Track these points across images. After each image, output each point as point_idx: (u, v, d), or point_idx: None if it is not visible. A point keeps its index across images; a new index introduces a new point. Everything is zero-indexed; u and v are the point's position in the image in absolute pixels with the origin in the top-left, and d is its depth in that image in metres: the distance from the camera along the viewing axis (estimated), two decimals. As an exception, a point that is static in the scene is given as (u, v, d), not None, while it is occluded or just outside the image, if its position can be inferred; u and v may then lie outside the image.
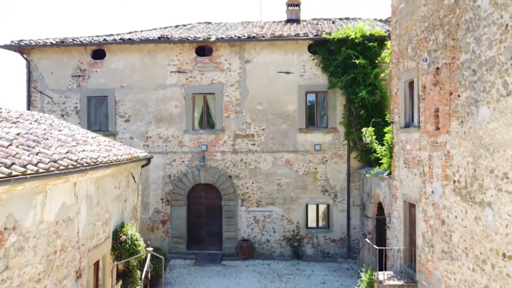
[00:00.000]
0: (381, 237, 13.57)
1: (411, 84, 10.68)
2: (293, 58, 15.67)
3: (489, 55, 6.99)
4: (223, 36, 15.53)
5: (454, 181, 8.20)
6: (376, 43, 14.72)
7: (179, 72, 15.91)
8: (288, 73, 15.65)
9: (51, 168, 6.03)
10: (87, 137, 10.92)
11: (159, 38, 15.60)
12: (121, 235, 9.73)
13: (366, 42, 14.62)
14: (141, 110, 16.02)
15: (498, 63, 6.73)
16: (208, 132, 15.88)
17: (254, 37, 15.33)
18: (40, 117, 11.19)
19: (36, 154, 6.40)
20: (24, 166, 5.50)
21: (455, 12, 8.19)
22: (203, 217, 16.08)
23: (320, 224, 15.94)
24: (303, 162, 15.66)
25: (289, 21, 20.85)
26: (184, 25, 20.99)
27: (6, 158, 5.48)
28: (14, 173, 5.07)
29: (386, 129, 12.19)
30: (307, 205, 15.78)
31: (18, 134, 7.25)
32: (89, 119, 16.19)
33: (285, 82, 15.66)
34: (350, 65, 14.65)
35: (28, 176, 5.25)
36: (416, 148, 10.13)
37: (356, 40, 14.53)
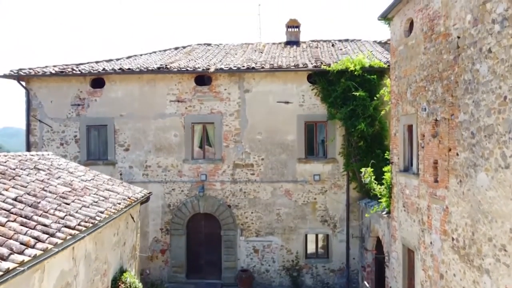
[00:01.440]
0: (380, 271, 13.58)
1: (410, 128, 10.67)
2: (292, 87, 15.66)
3: (487, 122, 6.98)
4: (222, 66, 15.51)
5: (453, 239, 8.19)
6: (375, 75, 14.69)
7: (178, 101, 15.90)
8: (287, 103, 15.64)
9: (49, 247, 6.02)
10: (86, 179, 10.92)
11: (159, 68, 15.58)
12: (119, 283, 9.71)
13: (365, 74, 14.59)
14: (141, 139, 16.02)
15: (497, 133, 6.71)
16: (207, 162, 15.88)
17: (253, 68, 15.32)
18: (39, 158, 11.19)
19: (34, 227, 6.39)
20: (22, 252, 5.50)
21: (454, 69, 8.18)
22: (202, 246, 16.07)
23: (320, 254, 15.93)
24: (302, 192, 15.65)
25: (288, 43, 20.90)
26: (184, 47, 21.04)
27: (3, 244, 5.48)
28: (12, 266, 5.06)
29: (385, 169, 12.17)
30: (306, 235, 15.78)
31: (16, 199, 7.25)
32: (88, 148, 16.19)
33: (284, 112, 15.65)
34: (350, 96, 14.64)
35: (26, 267, 5.24)
36: (415, 194, 10.12)
37: (355, 73, 14.51)
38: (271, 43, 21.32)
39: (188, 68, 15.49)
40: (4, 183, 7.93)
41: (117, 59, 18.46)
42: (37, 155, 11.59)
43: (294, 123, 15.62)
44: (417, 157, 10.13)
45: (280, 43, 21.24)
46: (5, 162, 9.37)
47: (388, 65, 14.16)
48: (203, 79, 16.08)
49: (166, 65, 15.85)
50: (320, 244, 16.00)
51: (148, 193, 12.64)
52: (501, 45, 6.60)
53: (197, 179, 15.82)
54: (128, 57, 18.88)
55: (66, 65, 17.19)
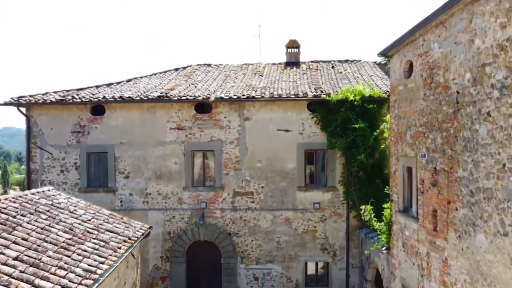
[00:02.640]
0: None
1: (409, 171, 10.70)
2: (292, 116, 15.70)
3: (486, 184, 7.01)
4: (222, 95, 15.55)
5: (452, 292, 8.22)
6: (375, 105, 14.73)
7: (178, 129, 15.94)
8: (287, 131, 15.68)
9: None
10: (86, 219, 10.96)
11: (159, 97, 15.62)
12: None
13: (365, 104, 14.62)
14: (141, 166, 16.06)
15: (496, 198, 6.74)
16: (207, 189, 15.93)
17: (253, 97, 15.36)
18: (39, 197, 11.22)
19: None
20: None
21: (453, 123, 8.21)
22: (202, 274, 16.11)
23: (319, 282, 15.97)
24: (302, 220, 15.69)
25: (288, 63, 20.96)
26: (184, 68, 21.10)
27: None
28: None
29: (385, 205, 12.20)
30: (306, 263, 15.83)
31: (17, 258, 7.29)
32: (88, 175, 16.22)
33: (284, 140, 15.69)
34: (350, 126, 14.67)
35: None
36: (415, 238, 10.16)
37: (355, 103, 14.54)
38: (271, 63, 21.37)
39: (188, 97, 15.52)
40: (6, 238, 7.98)
41: (118, 83, 18.50)
42: (38, 193, 11.62)
43: (294, 151, 15.67)
44: (416, 201, 10.17)
45: (280, 63, 21.30)
46: (5, 208, 9.42)
47: (388, 95, 14.20)
48: (203, 106, 16.11)
49: (166, 93, 15.89)
50: (320, 272, 16.04)
51: (149, 228, 12.66)
52: (500, 111, 6.63)
53: (197, 207, 15.86)
54: (128, 81, 18.90)
55: (67, 90, 17.22)
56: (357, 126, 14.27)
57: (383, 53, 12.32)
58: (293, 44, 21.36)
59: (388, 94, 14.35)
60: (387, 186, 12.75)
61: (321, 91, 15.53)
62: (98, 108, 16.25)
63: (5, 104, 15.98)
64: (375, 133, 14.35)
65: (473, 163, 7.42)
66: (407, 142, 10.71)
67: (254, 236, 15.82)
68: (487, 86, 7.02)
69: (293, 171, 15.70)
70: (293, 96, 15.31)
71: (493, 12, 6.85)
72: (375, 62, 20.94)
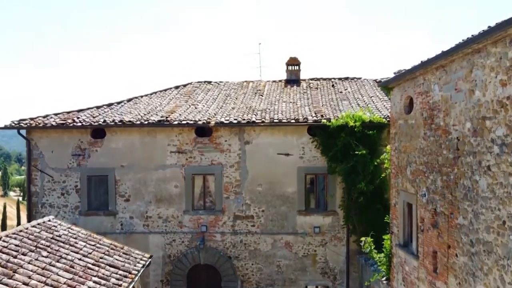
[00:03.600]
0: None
1: (410, 206, 10.72)
2: (292, 140, 15.72)
3: (487, 238, 7.02)
4: (223, 120, 15.56)
5: (453, 337, 8.23)
6: (375, 131, 14.75)
7: (179, 152, 15.96)
8: (287, 155, 15.70)
9: None
10: (87, 252, 10.97)
11: (159, 121, 15.62)
12: None
13: (365, 130, 14.63)
14: (141, 189, 16.07)
15: (496, 253, 6.76)
16: (207, 213, 15.94)
17: (253, 121, 15.38)
18: (40, 230, 11.24)
19: None
20: None
21: (453, 169, 8.22)
22: (203, 297, 16.13)
23: (320, 306, 15.99)
24: (302, 244, 15.71)
25: (288, 81, 21.00)
26: (184, 85, 21.15)
27: None
28: None
29: (385, 237, 12.22)
30: (306, 287, 15.83)
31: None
32: (89, 198, 16.24)
33: (284, 164, 15.71)
34: (350, 151, 14.67)
35: None
36: (415, 275, 10.17)
37: (356, 129, 14.55)
38: (271, 81, 21.40)
39: (189, 121, 15.53)
40: (7, 284, 8.01)
41: (118, 103, 18.51)
42: (39, 225, 11.65)
43: (294, 175, 15.68)
44: (416, 238, 10.17)
45: (280, 81, 21.34)
46: (6, 247, 9.45)
47: (388, 121, 14.22)
48: (203, 129, 16.12)
49: (166, 117, 15.90)
50: (320, 295, 16.06)
51: (149, 257, 12.67)
52: (500, 168, 6.65)
53: (198, 230, 15.88)
54: (129, 100, 18.91)
55: (67, 112, 17.25)
56: (357, 152, 14.27)
57: (383, 85, 12.35)
58: (293, 62, 21.39)
59: (388, 119, 14.37)
60: (387, 215, 12.77)
61: (322, 115, 15.53)
62: (98, 131, 16.26)
63: (6, 127, 16.04)
64: (375, 163, 14.36)
65: (473, 213, 7.44)
66: (407, 177, 10.72)
67: (254, 260, 15.83)
68: (487, 140, 7.04)
69: (293, 195, 15.72)
70: (293, 121, 15.33)
71: (493, 67, 6.87)
72: (375, 80, 20.96)
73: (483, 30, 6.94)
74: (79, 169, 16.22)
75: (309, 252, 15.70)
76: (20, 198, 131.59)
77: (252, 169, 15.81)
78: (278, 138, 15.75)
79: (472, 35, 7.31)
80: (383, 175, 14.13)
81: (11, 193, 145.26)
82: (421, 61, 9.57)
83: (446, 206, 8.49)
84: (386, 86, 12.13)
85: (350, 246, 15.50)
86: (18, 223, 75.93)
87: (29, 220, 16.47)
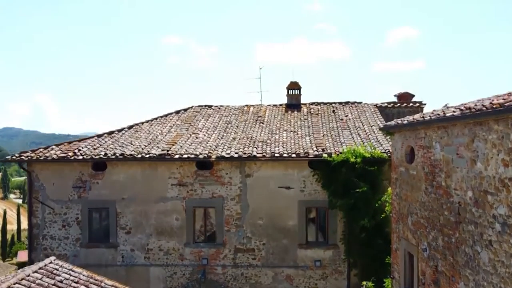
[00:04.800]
0: None
1: (411, 256, 10.73)
2: (293, 173, 15.74)
3: (488, 311, 7.04)
4: (224, 154, 15.57)
5: None
6: (376, 167, 14.76)
7: (180, 185, 15.98)
8: (288, 188, 15.72)
9: None
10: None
11: (160, 155, 15.64)
12: None
13: (366, 167, 14.64)
14: (142, 222, 16.09)
15: (498, 330, 6.78)
16: (208, 246, 15.96)
17: (254, 156, 15.39)
18: (42, 276, 11.25)
19: None
20: None
21: (455, 232, 8.24)
22: (203, 330, 16.15)
23: None
24: (303, 278, 15.73)
25: (289, 106, 21.05)
26: (185, 110, 21.18)
27: None
28: None
29: (386, 281, 12.24)
30: (307, 320, 15.87)
31: None
32: (90, 230, 16.26)
33: (285, 197, 15.73)
34: (351, 187, 14.69)
35: None
36: (416, 327, 10.19)
37: (356, 166, 14.57)
38: (272, 105, 21.44)
39: (190, 156, 15.55)
40: None
41: (119, 131, 18.55)
42: (40, 270, 11.64)
43: (295, 209, 15.71)
44: (418, 290, 10.20)
45: (281, 105, 21.39)
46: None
47: (389, 156, 14.25)
48: (205, 162, 16.12)
49: (167, 150, 15.91)
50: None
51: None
52: (502, 247, 6.66)
53: (199, 263, 15.90)
54: (130, 127, 18.95)
55: (69, 143, 17.30)
56: (359, 190, 14.30)
57: (384, 130, 12.37)
58: (294, 86, 21.43)
59: (389, 154, 14.41)
60: (388, 257, 12.79)
61: (322, 149, 15.55)
62: (99, 163, 16.28)
63: (7, 160, 16.07)
64: (377, 204, 14.38)
65: (475, 283, 7.45)
66: (408, 226, 10.74)
67: (255, 293, 15.87)
68: (489, 215, 7.05)
69: (294, 228, 15.74)
70: (294, 155, 15.34)
71: (495, 144, 6.89)
72: (376, 105, 21.01)
73: (484, 107, 6.95)
74: (80, 201, 16.24)
75: (310, 286, 15.71)
76: (20, 201, 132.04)
77: (253, 202, 15.83)
78: (279, 171, 15.76)
79: (473, 108, 7.32)
80: (383, 215, 14.14)
81: (11, 196, 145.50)
82: (422, 117, 9.61)
83: (448, 267, 8.51)
84: (386, 131, 12.15)
85: (351, 280, 15.51)
86: (18, 228, 75.86)
87: (30, 252, 16.57)
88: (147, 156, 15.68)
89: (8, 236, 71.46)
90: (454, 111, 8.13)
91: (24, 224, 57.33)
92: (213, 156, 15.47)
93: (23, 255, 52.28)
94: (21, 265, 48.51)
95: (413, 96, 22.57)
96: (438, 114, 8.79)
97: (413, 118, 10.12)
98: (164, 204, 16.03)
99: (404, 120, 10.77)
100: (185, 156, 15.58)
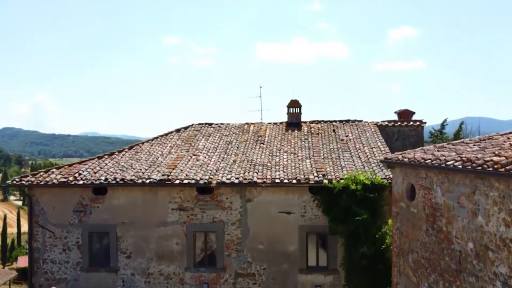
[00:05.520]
0: None
1: (412, 293, 10.74)
2: (294, 198, 15.74)
3: None
4: (224, 179, 15.57)
5: None
6: (376, 194, 14.76)
7: (180, 209, 15.97)
8: (289, 213, 15.72)
9: None
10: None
11: (160, 180, 15.64)
12: None
13: (367, 194, 14.64)
14: (143, 246, 16.08)
15: None
16: (209, 270, 15.95)
17: (255, 182, 15.39)
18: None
19: None
20: None
21: (456, 281, 8.26)
22: None
23: None
24: (304, 303, 15.74)
25: (290, 124, 21.07)
26: (186, 128, 21.20)
27: None
28: None
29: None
30: None
31: None
32: (90, 254, 16.25)
33: (286, 222, 15.72)
34: (351, 213, 14.69)
35: None
36: None
37: (357, 193, 14.57)
38: (272, 123, 21.45)
39: (190, 181, 15.54)
40: None
41: (120, 151, 18.56)
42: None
43: (296, 234, 15.70)
44: (418, 328, 10.20)
45: (281, 123, 21.39)
46: None
47: (389, 182, 14.25)
48: (205, 187, 16.10)
49: (168, 175, 15.91)
50: None
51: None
52: (503, 307, 6.67)
53: (199, 288, 15.91)
54: (130, 148, 18.96)
55: (69, 165, 17.31)
56: (360, 218, 14.30)
57: (384, 162, 12.37)
58: (294, 105, 21.44)
59: (389, 180, 14.40)
60: (389, 286, 12.79)
61: (323, 175, 15.54)
62: (100, 187, 16.27)
63: (8, 185, 16.07)
64: (377, 235, 14.40)
65: (476, 335, 7.46)
66: (409, 263, 10.74)
67: (255, 318, 15.86)
68: (490, 272, 7.07)
69: (294, 253, 15.74)
70: (294, 181, 15.34)
71: (496, 202, 6.90)
72: (376, 124, 21.00)
73: (486, 164, 6.95)
74: (81, 225, 16.23)
75: (311, 311, 15.72)
76: (20, 203, 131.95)
77: (253, 226, 15.82)
78: (280, 196, 15.76)
79: (475, 161, 7.31)
80: (384, 246, 14.15)
81: (11, 197, 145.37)
82: (423, 158, 9.60)
83: (449, 314, 8.52)
84: (387, 164, 12.15)
85: (351, 305, 15.51)
86: (18, 231, 75.80)
87: (30, 276, 16.55)
88: (148, 181, 15.67)
89: (8, 240, 71.56)
90: (455, 160, 8.14)
91: (24, 227, 57.29)
92: (214, 182, 15.47)
93: (23, 261, 52.34)
94: (21, 272, 48.62)
95: (414, 113, 22.56)
96: (439, 159, 8.80)
97: (414, 157, 10.12)
98: (164, 229, 16.02)
99: (405, 157, 10.76)
100: (186, 181, 15.57)
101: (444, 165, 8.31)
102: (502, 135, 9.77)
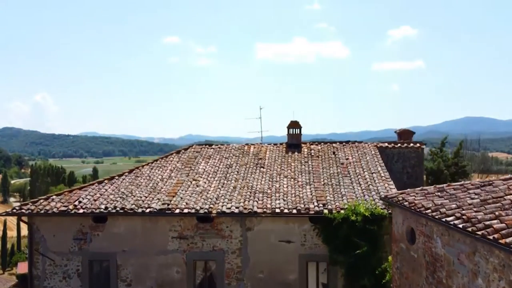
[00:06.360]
0: None
1: (412, 336, 10.74)
2: (294, 227, 15.75)
3: None
4: (225, 210, 15.57)
5: None
6: (376, 226, 14.76)
7: (180, 238, 15.98)
8: (289, 242, 15.73)
9: None
10: None
11: (161, 209, 15.65)
12: None
13: (367, 225, 14.64)
14: (143, 274, 16.09)
15: None
16: (209, 299, 15.97)
17: (255, 212, 15.40)
18: None
19: None
20: None
21: (456, 336, 8.24)
22: None
23: None
24: (304, 332, 15.74)
25: (290, 146, 21.08)
26: (186, 149, 21.21)
27: None
28: None
29: None
30: None
31: None
32: (91, 282, 16.25)
33: (286, 251, 15.73)
34: (351, 244, 14.70)
35: None
36: None
37: (357, 224, 14.58)
38: (272, 144, 21.49)
39: (190, 211, 15.55)
40: None
41: (120, 175, 18.58)
42: None
43: (296, 262, 15.71)
44: None
45: (281, 144, 21.45)
46: None
47: (390, 212, 14.25)
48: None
49: (168, 204, 15.91)
50: None
51: None
52: None
53: (199, 316, 15.91)
54: (130, 171, 18.98)
55: (69, 191, 17.35)
56: (360, 251, 14.32)
57: (384, 201, 12.36)
58: (294, 125, 21.47)
59: (389, 211, 14.40)
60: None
61: (323, 204, 15.55)
62: (100, 215, 16.26)
63: (8, 214, 16.10)
64: (378, 270, 14.41)
65: None
66: (409, 306, 10.74)
67: None
68: None
69: (295, 282, 15.73)
70: (294, 211, 15.34)
71: (496, 269, 6.89)
72: (376, 145, 21.01)
73: (486, 231, 6.95)
74: (81, 253, 16.24)
75: None
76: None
77: (253, 255, 15.83)
78: (280, 225, 15.77)
79: (476, 224, 7.31)
80: (384, 280, 14.16)
81: (11, 199, 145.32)
82: (423, 206, 9.58)
83: None
84: (387, 202, 12.14)
85: (352, 335, 15.51)
86: (18, 235, 75.78)
87: (31, 303, 16.54)
88: (148, 210, 15.68)
89: (8, 245, 71.56)
90: (456, 217, 8.14)
91: (24, 231, 57.22)
92: (214, 211, 15.48)
93: (23, 267, 52.29)
94: (21, 278, 48.60)
95: (413, 133, 22.61)
96: (439, 211, 8.80)
97: (414, 202, 10.12)
98: (165, 257, 16.03)
99: (405, 200, 10.75)
100: (186, 210, 15.59)
101: (444, 220, 8.30)
102: (503, 180, 9.78)
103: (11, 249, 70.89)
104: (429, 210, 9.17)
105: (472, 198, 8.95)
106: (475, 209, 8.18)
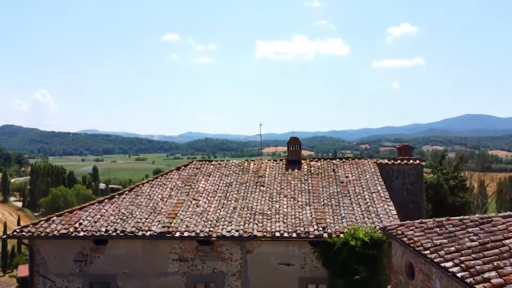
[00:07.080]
0: None
1: None
2: (294, 250, 15.82)
3: None
4: (225, 233, 15.63)
5: None
6: (375, 251, 14.83)
7: (180, 260, 16.06)
8: (288, 265, 15.81)
9: None
10: None
11: (161, 232, 15.72)
12: None
13: (366, 250, 14.71)
14: (143, 297, 16.17)
15: None
16: (209, 321, 16.05)
17: (255, 236, 15.47)
18: None
19: None
20: None
21: None
22: None
23: None
24: None
25: (290, 162, 21.10)
26: (186, 165, 21.27)
27: None
28: None
29: None
30: None
31: None
32: (91, 304, 16.34)
33: (285, 274, 15.80)
34: (351, 268, 14.77)
35: None
36: None
37: (356, 249, 14.65)
38: (272, 161, 21.56)
39: (190, 234, 15.62)
40: None
41: (120, 194, 18.64)
42: None
43: (296, 285, 15.77)
44: None
45: (281, 160, 21.53)
46: None
47: (389, 241, 14.30)
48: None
49: (168, 227, 15.97)
50: None
51: None
52: None
53: (199, 339, 15.99)
54: (131, 190, 19.05)
55: (70, 211, 17.38)
56: (358, 277, 14.39)
57: (383, 233, 12.41)
58: (294, 142, 21.55)
59: (389, 239, 14.45)
60: None
61: (323, 228, 15.61)
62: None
63: (8, 237, 16.18)
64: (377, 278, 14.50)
65: None
66: None
67: None
68: None
69: (294, 304, 15.83)
70: (294, 235, 15.41)
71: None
72: (376, 162, 21.05)
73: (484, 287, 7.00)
74: (81, 275, 16.31)
75: None
76: (20, 204, 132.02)
77: (253, 278, 15.90)
78: (280, 248, 15.83)
79: (472, 282, 7.37)
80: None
81: (11, 198, 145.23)
82: (422, 245, 9.63)
83: None
84: (386, 234, 12.19)
85: None
86: (18, 237, 75.85)
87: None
88: (148, 233, 15.75)
89: (9, 247, 71.70)
90: (454, 263, 8.19)
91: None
92: (214, 235, 15.54)
93: (23, 269, 52.40)
94: (21, 281, 48.71)
95: (413, 148, 22.67)
96: (438, 254, 8.85)
97: (413, 240, 10.17)
98: (165, 279, 16.10)
99: (404, 234, 10.79)
100: (186, 233, 15.65)
101: (443, 265, 8.36)
102: (502, 218, 9.85)
103: (11, 251, 70.99)
104: (428, 251, 9.23)
105: (471, 240, 9.01)
106: (473, 255, 8.24)
